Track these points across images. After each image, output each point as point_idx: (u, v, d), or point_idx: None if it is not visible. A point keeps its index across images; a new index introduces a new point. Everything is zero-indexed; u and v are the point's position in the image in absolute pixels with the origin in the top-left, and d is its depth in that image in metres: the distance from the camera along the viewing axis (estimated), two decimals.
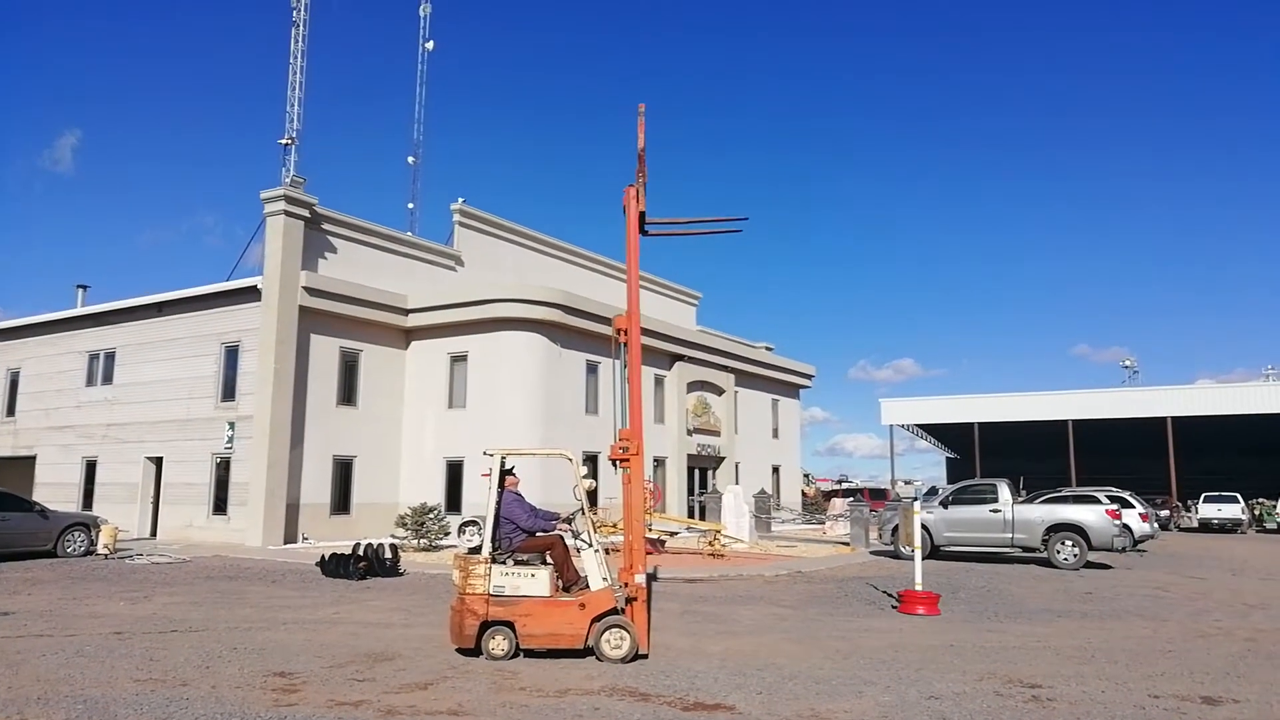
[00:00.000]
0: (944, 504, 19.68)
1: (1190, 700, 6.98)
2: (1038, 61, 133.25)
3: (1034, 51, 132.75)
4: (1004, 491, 19.03)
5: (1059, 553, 17.97)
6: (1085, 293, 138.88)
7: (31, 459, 27.50)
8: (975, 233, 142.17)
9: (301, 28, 29.30)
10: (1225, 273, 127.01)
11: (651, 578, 11.25)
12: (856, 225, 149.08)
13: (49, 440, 27.22)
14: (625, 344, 8.87)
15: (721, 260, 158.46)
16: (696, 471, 31.79)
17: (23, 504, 18.41)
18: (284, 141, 28.61)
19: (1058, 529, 18.19)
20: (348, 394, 24.26)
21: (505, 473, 8.79)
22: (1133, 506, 23.48)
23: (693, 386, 31.47)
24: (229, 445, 22.56)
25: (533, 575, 8.25)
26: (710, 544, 19.86)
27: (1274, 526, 38.99)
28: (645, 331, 21.77)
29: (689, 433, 30.85)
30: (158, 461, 24.39)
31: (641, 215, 9.09)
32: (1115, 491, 25.23)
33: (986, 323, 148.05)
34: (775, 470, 37.22)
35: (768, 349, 39.78)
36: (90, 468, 25.88)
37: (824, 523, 31.37)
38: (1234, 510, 37.37)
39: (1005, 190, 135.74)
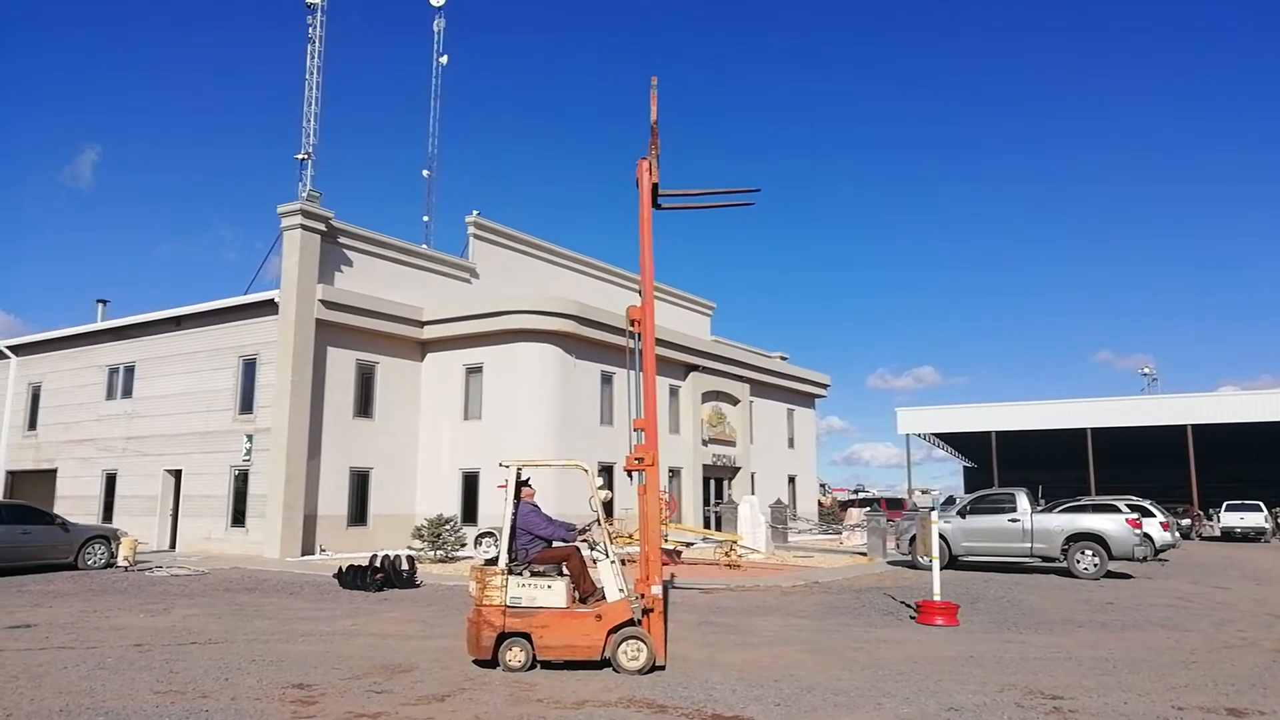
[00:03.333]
0: (962, 513, 19.54)
1: (1215, 712, 6.89)
2: (1063, 63, 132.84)
3: (1059, 53, 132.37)
4: (1022, 501, 18.88)
5: (1079, 562, 17.80)
6: (1108, 299, 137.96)
7: (52, 472, 27.77)
8: (996, 239, 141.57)
9: (318, 44, 29.61)
10: (1249, 278, 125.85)
11: (669, 587, 11.21)
12: (875, 232, 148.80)
13: (69, 454, 27.47)
14: (639, 334, 8.88)
15: (736, 270, 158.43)
16: (712, 482, 31.71)
17: (44, 517, 18.58)
18: (300, 156, 28.89)
19: (1077, 538, 18.02)
20: (364, 406, 24.38)
21: (522, 484, 8.82)
22: (1153, 515, 23.20)
23: (707, 397, 31.43)
24: (247, 458, 22.70)
25: (549, 586, 8.25)
26: (726, 554, 19.81)
27: None
28: (660, 342, 21.77)
29: (704, 443, 30.79)
30: (177, 474, 24.56)
31: (654, 187, 9.12)
32: (1135, 500, 24.97)
33: (1007, 330, 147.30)
34: (791, 480, 37.08)
35: (782, 358, 39.69)
36: (110, 480, 26.10)
37: (841, 533, 31.23)
38: (1257, 519, 36.89)
39: (1027, 195, 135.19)
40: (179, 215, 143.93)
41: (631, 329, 9.04)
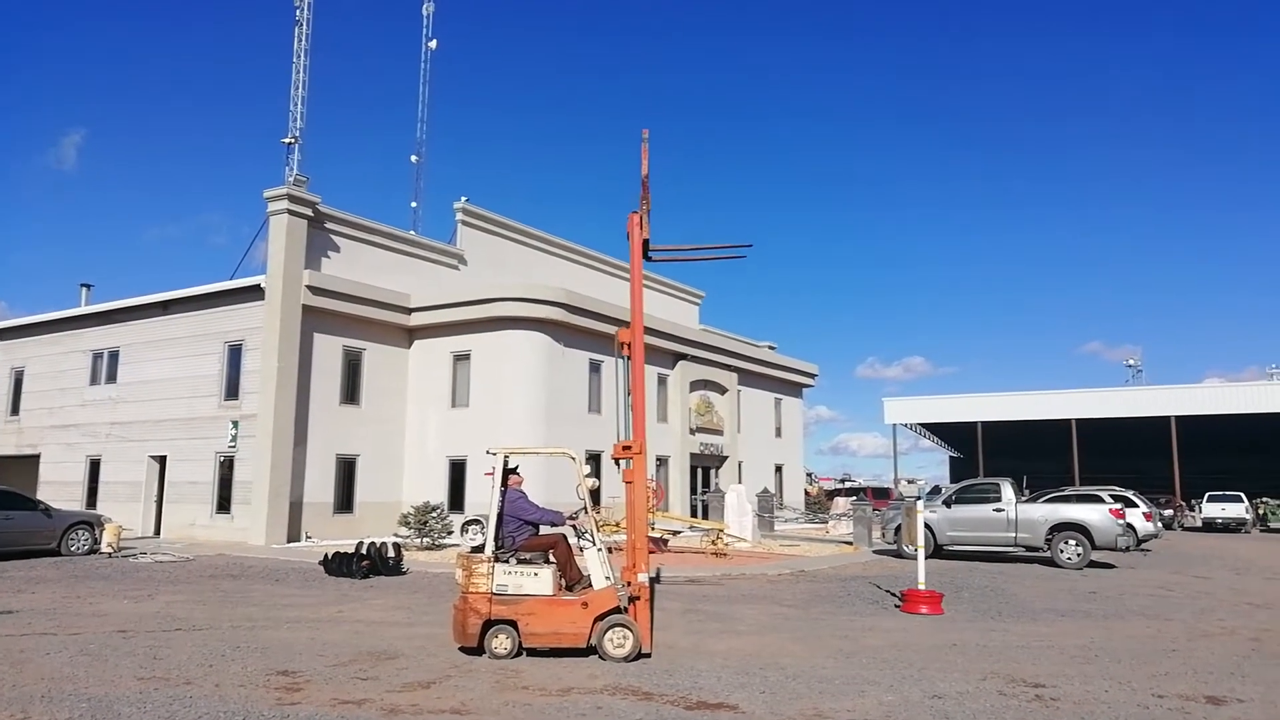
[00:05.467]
0: (947, 503, 19.66)
1: (1194, 700, 6.96)
2: (1053, 60, 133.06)
3: (1048, 50, 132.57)
4: (1007, 491, 19.00)
5: (1062, 552, 17.94)
6: (1098, 291, 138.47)
7: (35, 457, 27.56)
8: (987, 230, 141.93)
9: (304, 26, 29.37)
10: (1237, 271, 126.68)
11: (654, 581, 11.26)
12: (866, 223, 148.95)
13: (53, 439, 27.27)
14: (629, 357, 8.87)
15: (726, 261, 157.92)
16: (699, 470, 31.78)
17: (27, 502, 18.45)
18: (287, 140, 28.69)
19: (1061, 528, 18.15)
20: (351, 393, 24.28)
21: (510, 472, 8.81)
22: (1136, 506, 23.42)
23: (695, 385, 31.45)
24: (232, 444, 22.59)
25: (535, 574, 8.25)
26: (713, 543, 19.87)
27: (1278, 526, 38.90)
28: (648, 330, 21.77)
29: (692, 432, 30.83)
30: (161, 460, 24.43)
31: (645, 242, 9.12)
32: (1119, 491, 25.18)
33: (998, 320, 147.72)
34: (778, 469, 37.21)
35: (770, 348, 39.76)
36: (94, 466, 25.93)
37: (827, 522, 31.39)
38: (1238, 509, 37.28)
39: (1017, 188, 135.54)
40: (165, 200, 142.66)
41: (621, 352, 9.04)
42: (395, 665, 7.89)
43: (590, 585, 8.34)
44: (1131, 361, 63.95)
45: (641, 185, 9.20)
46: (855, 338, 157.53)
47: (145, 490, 24.57)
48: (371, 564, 15.09)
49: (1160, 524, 26.12)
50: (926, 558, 12.51)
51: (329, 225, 23.85)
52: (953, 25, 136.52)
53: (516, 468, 8.95)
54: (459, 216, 28.54)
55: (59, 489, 25.84)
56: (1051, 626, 10.56)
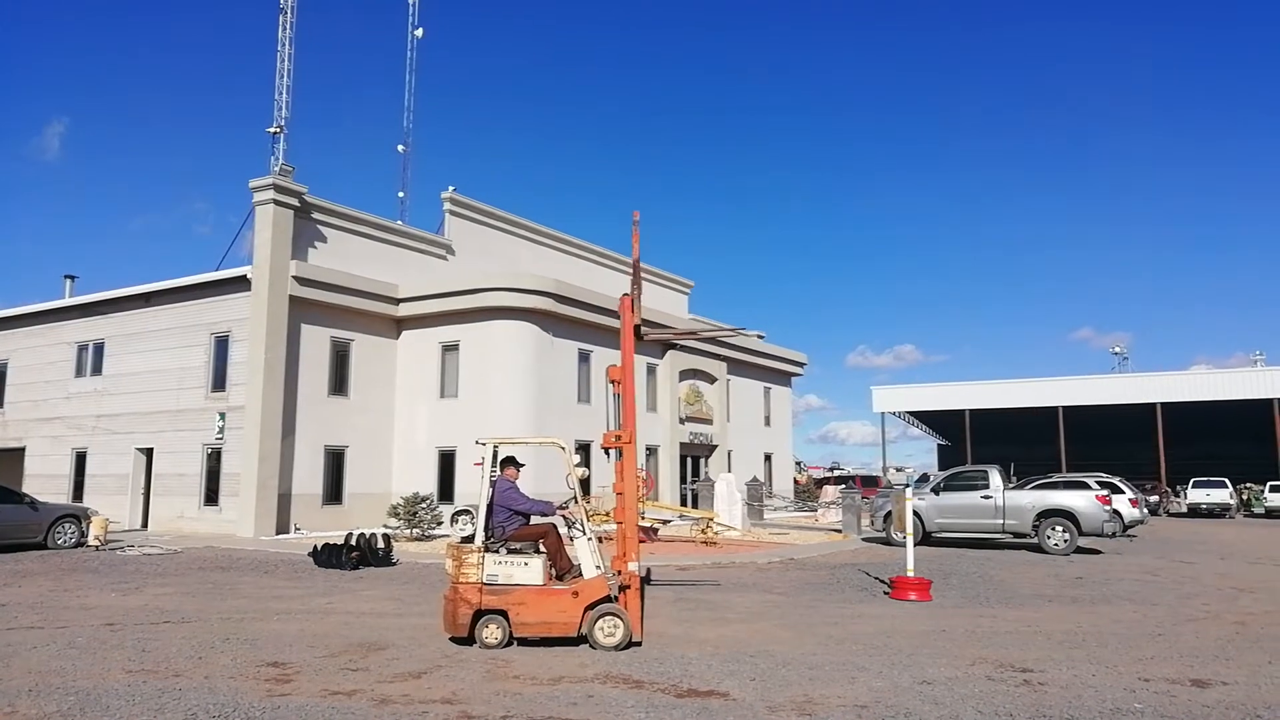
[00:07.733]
0: (935, 490, 19.77)
1: (1179, 683, 7.03)
2: (1044, 46, 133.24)
3: (1040, 37, 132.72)
4: (995, 478, 19.12)
5: (1049, 538, 18.08)
6: (1088, 278, 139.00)
7: (21, 451, 27.36)
8: (977, 219, 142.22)
9: (289, 14, 29.11)
10: (1226, 258, 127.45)
11: (645, 581, 11.31)
12: (857, 211, 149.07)
13: (38, 432, 27.07)
14: (619, 395, 8.92)
15: (716, 249, 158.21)
16: (689, 460, 31.84)
17: (12, 496, 18.31)
18: (272, 130, 28.49)
19: (1048, 515, 18.29)
20: (339, 384, 24.18)
21: (509, 463, 8.85)
22: (1122, 492, 23.64)
23: (685, 375, 31.47)
24: (220, 436, 22.48)
25: (526, 564, 8.25)
26: (703, 532, 19.93)
27: (1262, 511, 39.33)
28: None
29: (681, 421, 30.87)
30: (148, 452, 24.29)
31: (637, 327, 9.21)
32: (1105, 477, 25.38)
33: (989, 308, 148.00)
34: (767, 458, 37.31)
35: (760, 337, 39.81)
36: (80, 459, 25.76)
37: (816, 510, 31.50)
38: (1222, 495, 37.67)
39: (1007, 176, 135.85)
40: (151, 190, 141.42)
41: (613, 388, 9.10)
42: (386, 656, 7.88)
43: (581, 574, 8.35)
44: (1117, 349, 64.49)
45: (634, 269, 9.36)
46: (846, 326, 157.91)
47: (132, 483, 24.43)
48: (361, 555, 15.06)
49: (1146, 510, 26.36)
50: (915, 545, 12.58)
51: (315, 215, 23.70)
52: (941, 12, 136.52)
53: (522, 466, 9.00)
54: (446, 206, 28.40)
55: (45, 482, 25.68)
56: (1039, 612, 10.65)
